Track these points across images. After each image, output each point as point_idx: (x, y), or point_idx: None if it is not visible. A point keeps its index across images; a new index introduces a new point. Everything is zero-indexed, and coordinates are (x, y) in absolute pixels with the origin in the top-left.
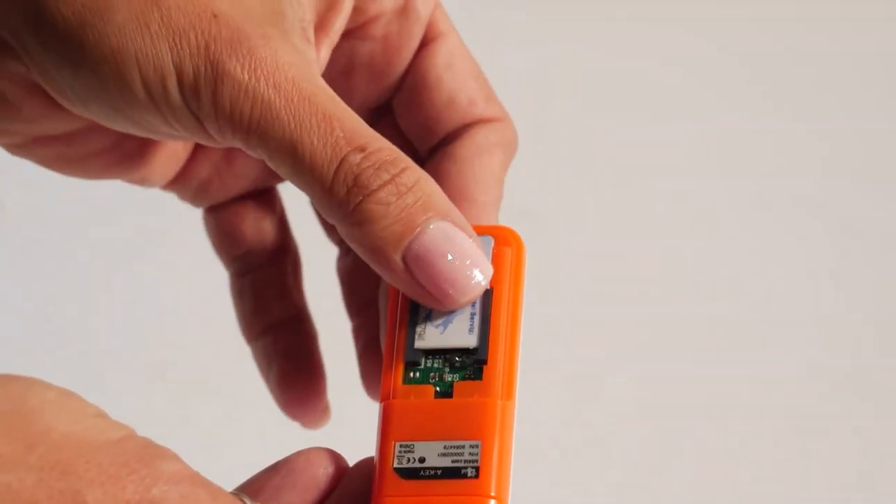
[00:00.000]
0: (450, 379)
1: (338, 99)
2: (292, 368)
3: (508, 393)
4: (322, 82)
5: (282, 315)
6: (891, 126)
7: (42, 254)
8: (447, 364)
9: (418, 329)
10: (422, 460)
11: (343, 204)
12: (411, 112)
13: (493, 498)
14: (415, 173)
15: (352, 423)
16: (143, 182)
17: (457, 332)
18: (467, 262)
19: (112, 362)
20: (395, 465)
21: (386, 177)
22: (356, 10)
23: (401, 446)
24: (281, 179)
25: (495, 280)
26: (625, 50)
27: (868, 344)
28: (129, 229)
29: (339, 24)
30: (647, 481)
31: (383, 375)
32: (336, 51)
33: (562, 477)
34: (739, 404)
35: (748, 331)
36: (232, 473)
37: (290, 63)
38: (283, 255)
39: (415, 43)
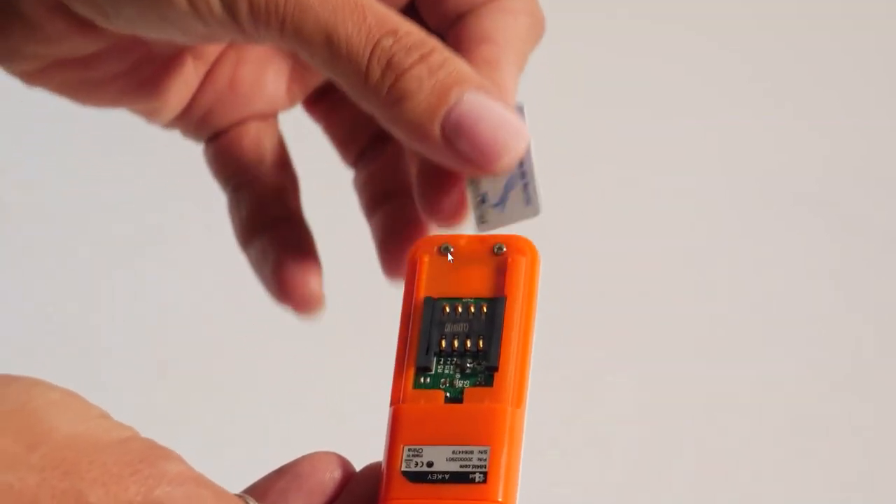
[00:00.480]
0: (460, 385)
1: None
2: (288, 256)
3: (519, 400)
4: None
5: (278, 214)
6: (892, 124)
7: (43, 252)
8: (458, 370)
9: (478, 213)
10: (430, 464)
11: (378, 86)
12: (436, 5)
13: (500, 503)
14: (444, 52)
15: (360, 428)
16: (152, 115)
17: (515, 207)
18: (506, 124)
19: (114, 360)
20: (403, 469)
21: (417, 56)
22: None
23: (409, 450)
24: (283, 105)
25: (509, 288)
26: (626, 48)
27: (868, 343)
28: (130, 227)
29: None
30: (648, 481)
31: (393, 380)
32: None
33: (562, 477)
34: (740, 404)
35: (749, 330)
36: (233, 472)
37: None
38: (281, 173)
39: None
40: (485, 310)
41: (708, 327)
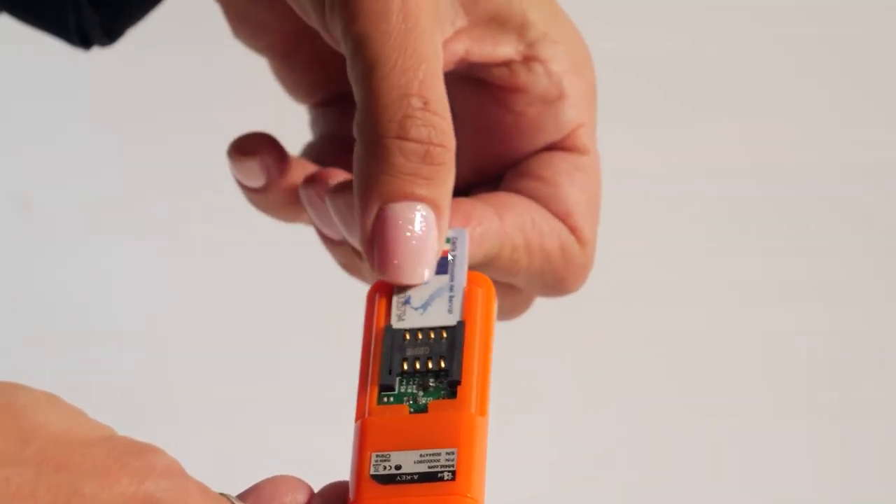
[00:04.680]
0: (424, 401)
1: (439, 56)
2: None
3: (482, 409)
4: (438, 36)
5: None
6: None
7: (66, 250)
8: (421, 388)
9: (397, 312)
10: (398, 467)
11: (378, 127)
12: (509, 190)
13: (469, 498)
14: (448, 155)
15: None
16: (280, 79)
17: (436, 313)
18: (423, 253)
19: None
20: (372, 473)
21: (425, 135)
22: (509, 66)
23: (377, 456)
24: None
25: (467, 314)
26: (628, 46)
27: (883, 344)
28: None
29: (487, 49)
30: (646, 484)
31: (358, 398)
32: (473, 99)
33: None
34: (742, 403)
35: (750, 330)
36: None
37: (427, 2)
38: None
39: (544, 139)
40: (444, 335)
41: (710, 327)
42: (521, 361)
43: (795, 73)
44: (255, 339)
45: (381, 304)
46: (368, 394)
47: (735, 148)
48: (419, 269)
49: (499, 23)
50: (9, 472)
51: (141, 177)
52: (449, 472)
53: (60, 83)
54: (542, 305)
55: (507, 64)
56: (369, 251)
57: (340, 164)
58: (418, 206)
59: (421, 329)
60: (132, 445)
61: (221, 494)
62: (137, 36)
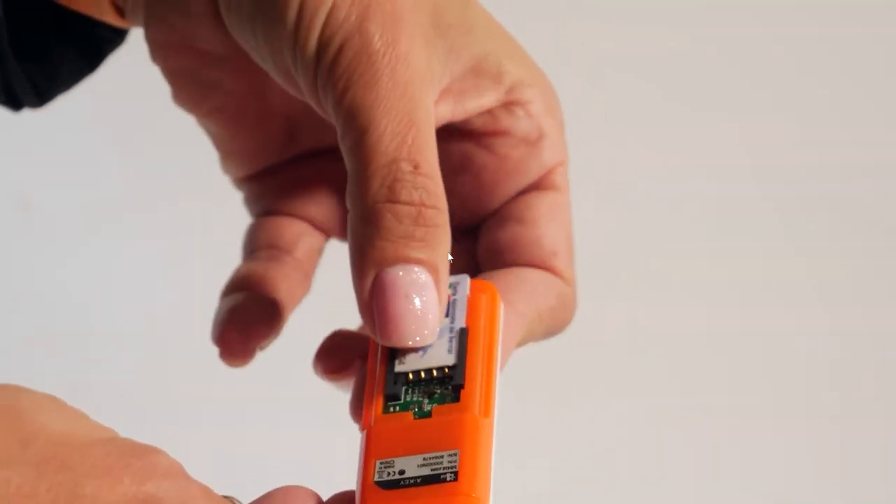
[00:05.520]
0: (428, 407)
1: (431, 118)
2: (247, 319)
3: (486, 411)
4: (430, 99)
5: (270, 308)
6: None
7: (66, 250)
8: (426, 395)
9: (399, 356)
10: (401, 472)
11: (369, 194)
12: (494, 233)
13: (473, 496)
14: (442, 217)
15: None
16: (228, 158)
17: (436, 354)
18: (424, 317)
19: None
20: (376, 479)
21: (416, 198)
22: (491, 112)
23: (381, 463)
24: (334, 233)
25: (470, 320)
26: (628, 46)
27: (883, 344)
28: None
29: (471, 104)
30: (646, 483)
31: (364, 408)
32: (457, 147)
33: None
34: (747, 403)
35: (752, 332)
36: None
37: (419, 60)
38: (300, 279)
39: (527, 180)
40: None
41: (710, 327)
42: (521, 361)
43: (795, 73)
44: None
45: None
46: (374, 403)
47: (735, 148)
48: (421, 334)
49: (476, 73)
50: (9, 472)
51: (141, 177)
52: (451, 473)
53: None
54: None
55: (489, 111)
56: (369, 319)
57: (297, 241)
58: (415, 269)
59: (422, 370)
60: (134, 447)
61: (225, 497)
62: (138, 35)
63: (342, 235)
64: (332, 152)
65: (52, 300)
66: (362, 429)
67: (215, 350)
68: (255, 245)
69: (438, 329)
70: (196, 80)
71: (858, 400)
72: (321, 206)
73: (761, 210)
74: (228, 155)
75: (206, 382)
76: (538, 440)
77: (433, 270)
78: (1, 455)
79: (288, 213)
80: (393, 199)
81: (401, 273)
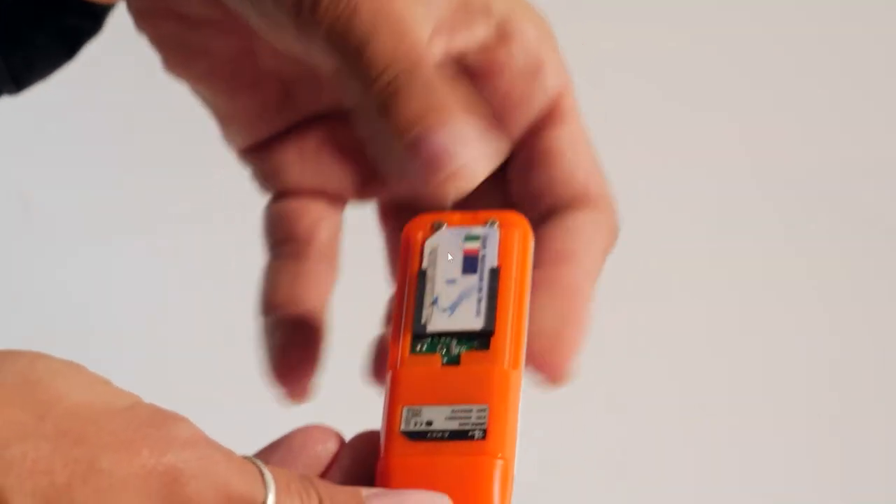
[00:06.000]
0: (457, 350)
1: (423, 38)
2: (296, 346)
3: (515, 362)
4: (420, 24)
5: (307, 299)
6: None
7: (66, 250)
8: (454, 336)
9: (425, 313)
10: (429, 423)
11: (378, 93)
12: (525, 180)
13: (500, 458)
14: (451, 95)
15: (349, 413)
16: (227, 123)
17: (464, 316)
18: (467, 147)
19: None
20: (403, 428)
21: (423, 83)
22: (485, 47)
23: (408, 410)
24: (352, 196)
25: (502, 259)
26: (628, 46)
27: (883, 344)
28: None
29: (463, 37)
30: (649, 483)
31: (391, 346)
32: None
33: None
34: (743, 404)
35: (752, 332)
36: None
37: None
38: (327, 261)
39: (533, 111)
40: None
41: (710, 327)
42: None
43: (795, 73)
44: (256, 339)
45: (416, 248)
46: (401, 342)
47: (735, 148)
48: (476, 165)
49: (465, 10)
50: (25, 446)
51: (141, 177)
52: (480, 430)
53: (61, 83)
54: None
55: (483, 50)
56: (416, 175)
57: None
58: (447, 125)
59: (447, 333)
60: (154, 415)
61: (247, 459)
62: (140, 38)
63: (360, 195)
64: (331, 115)
65: (52, 300)
66: (388, 368)
67: (215, 350)
68: (275, 238)
69: (484, 166)
70: (182, 44)
71: (858, 400)
72: (331, 172)
73: (761, 210)
74: (226, 121)
75: (207, 382)
76: (538, 440)
77: (461, 123)
78: (17, 428)
79: (299, 189)
80: (401, 88)
81: (435, 129)
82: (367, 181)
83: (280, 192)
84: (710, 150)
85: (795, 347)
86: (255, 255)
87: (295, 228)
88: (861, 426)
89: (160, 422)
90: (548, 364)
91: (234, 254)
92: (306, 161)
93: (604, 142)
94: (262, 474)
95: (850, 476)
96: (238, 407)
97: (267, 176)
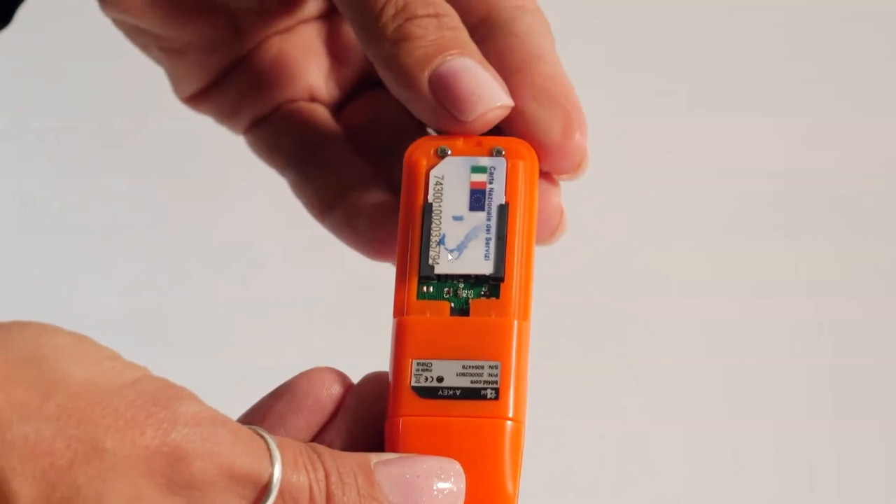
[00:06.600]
0: (465, 295)
1: None
2: (379, 214)
3: (525, 312)
4: None
5: (355, 177)
6: None
7: (66, 250)
8: (462, 278)
9: (431, 253)
10: (440, 379)
11: (387, 23)
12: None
13: (511, 420)
14: (457, 20)
15: (355, 351)
16: (166, 53)
17: (472, 258)
18: (487, 85)
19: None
20: (413, 384)
21: (431, 10)
22: None
23: (418, 364)
24: (322, 98)
25: (509, 195)
26: (628, 46)
27: (882, 344)
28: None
29: None
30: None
31: (396, 289)
32: None
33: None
34: (743, 404)
35: (752, 332)
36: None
37: None
38: (341, 143)
39: None
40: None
41: (710, 327)
42: None
43: (796, 73)
44: (256, 339)
45: (420, 177)
46: (407, 286)
47: (735, 148)
48: (491, 99)
49: None
50: (27, 428)
51: (141, 177)
52: (492, 389)
53: (61, 83)
54: (542, 304)
55: None
56: (441, 110)
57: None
58: (460, 57)
59: (455, 276)
60: (159, 392)
61: (255, 432)
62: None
63: (337, 89)
64: (280, 34)
65: (52, 300)
66: (395, 315)
67: (216, 350)
68: (287, 154)
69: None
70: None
71: (858, 400)
72: (303, 79)
73: (761, 210)
74: (176, 60)
75: (207, 382)
76: (538, 440)
77: (477, 58)
78: (19, 409)
79: (273, 103)
80: (411, 17)
81: (451, 59)
82: (330, 80)
83: (252, 123)
84: (710, 150)
85: (795, 348)
86: (255, 255)
87: (296, 133)
88: (861, 426)
89: (165, 399)
90: (567, 149)
91: (234, 254)
92: (267, 78)
93: (604, 142)
94: (269, 449)
95: (851, 476)
96: (238, 407)
97: (232, 113)
